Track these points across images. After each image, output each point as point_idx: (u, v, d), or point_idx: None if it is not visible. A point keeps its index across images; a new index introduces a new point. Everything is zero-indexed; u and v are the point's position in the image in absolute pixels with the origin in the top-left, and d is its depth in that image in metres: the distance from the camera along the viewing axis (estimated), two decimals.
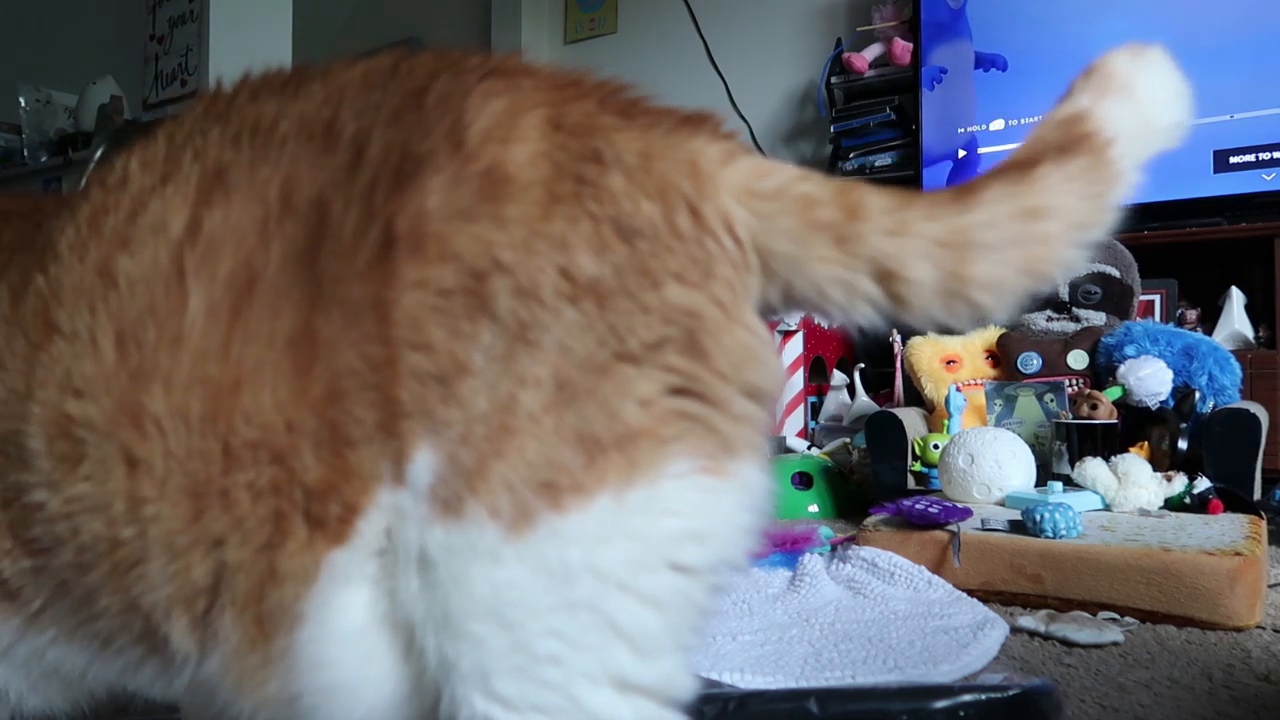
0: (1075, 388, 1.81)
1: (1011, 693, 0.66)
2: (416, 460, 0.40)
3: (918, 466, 1.85)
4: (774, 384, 0.44)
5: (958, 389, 1.88)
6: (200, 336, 0.43)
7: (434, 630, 0.40)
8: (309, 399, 0.41)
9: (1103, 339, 1.84)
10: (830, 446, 2.28)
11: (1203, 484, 1.42)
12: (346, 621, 0.41)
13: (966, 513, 1.34)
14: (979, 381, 1.94)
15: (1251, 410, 1.59)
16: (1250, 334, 2.14)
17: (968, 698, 0.65)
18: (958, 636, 1.04)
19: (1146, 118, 0.47)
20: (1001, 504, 1.47)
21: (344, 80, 0.47)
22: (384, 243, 0.41)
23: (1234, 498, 1.40)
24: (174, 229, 0.45)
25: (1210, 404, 1.67)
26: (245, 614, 0.42)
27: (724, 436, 0.42)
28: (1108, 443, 1.58)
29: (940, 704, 0.65)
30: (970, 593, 1.23)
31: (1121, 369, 1.70)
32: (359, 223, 0.42)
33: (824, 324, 2.63)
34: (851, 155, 3.02)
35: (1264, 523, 1.35)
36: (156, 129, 0.51)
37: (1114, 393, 1.67)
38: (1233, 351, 1.81)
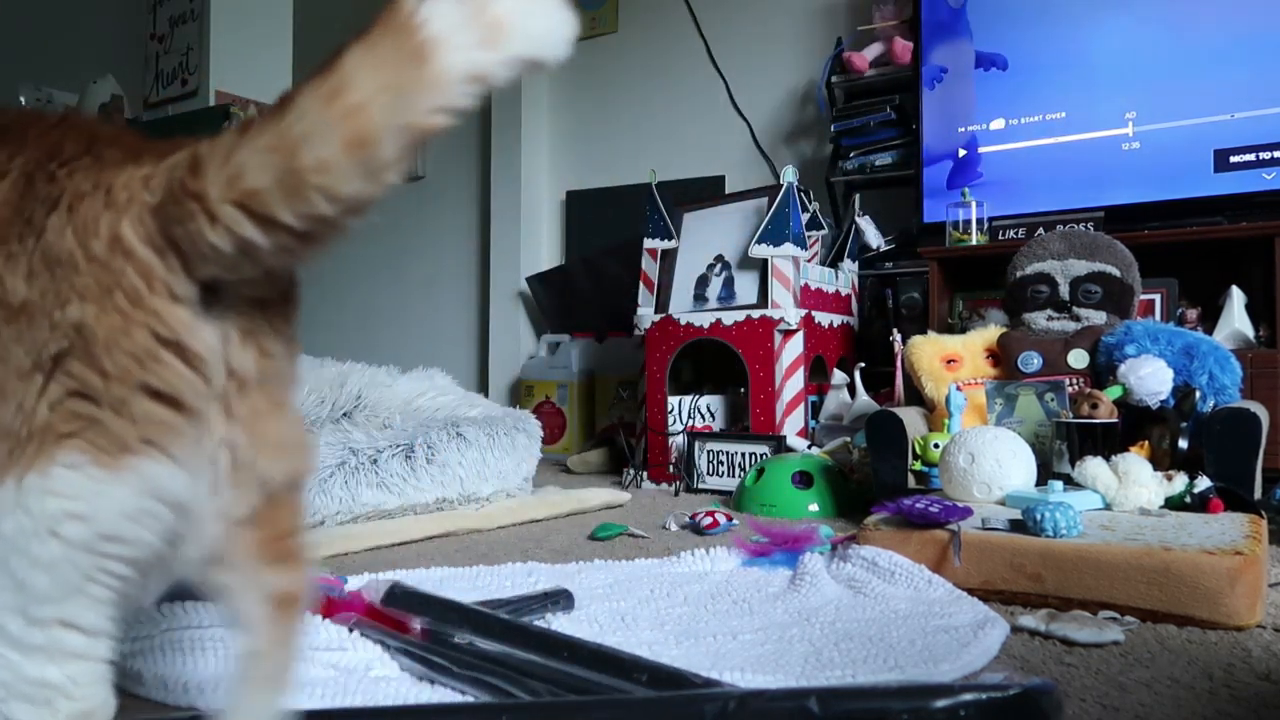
0: (1076, 387, 1.81)
1: (1012, 692, 0.66)
2: None
3: (918, 466, 1.85)
4: (184, 384, 0.52)
5: (958, 388, 1.88)
6: None
7: None
8: None
9: (1103, 338, 1.84)
10: (830, 446, 2.28)
11: (1203, 483, 1.42)
12: None
13: (967, 512, 1.34)
14: (979, 380, 1.94)
15: (1252, 409, 1.59)
16: (1251, 333, 2.14)
17: (968, 697, 0.65)
18: (958, 636, 1.04)
19: (488, 21, 0.48)
20: (1002, 503, 1.47)
21: None
22: None
23: (1234, 497, 1.40)
24: None
25: (1211, 403, 1.66)
26: None
27: (117, 435, 0.51)
28: (1108, 442, 1.58)
29: (941, 703, 0.65)
30: (970, 592, 1.23)
31: (1122, 368, 1.70)
32: None
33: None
34: (852, 154, 3.02)
35: (1264, 522, 1.35)
36: None
37: (1114, 392, 1.67)
38: (1233, 351, 1.81)
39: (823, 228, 2.74)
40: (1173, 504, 1.41)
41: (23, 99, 4.08)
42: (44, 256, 0.51)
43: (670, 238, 2.75)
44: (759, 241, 2.51)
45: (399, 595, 1.00)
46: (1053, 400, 1.78)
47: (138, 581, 0.55)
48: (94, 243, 0.50)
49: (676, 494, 2.41)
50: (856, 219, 2.89)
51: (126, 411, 0.51)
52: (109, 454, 0.51)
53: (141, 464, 0.51)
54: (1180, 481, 1.43)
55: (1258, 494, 1.61)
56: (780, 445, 2.33)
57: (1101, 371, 1.82)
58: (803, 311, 2.46)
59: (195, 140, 0.52)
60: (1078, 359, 1.87)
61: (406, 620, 0.97)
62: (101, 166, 0.53)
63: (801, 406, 2.48)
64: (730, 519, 1.85)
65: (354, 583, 1.20)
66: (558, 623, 1.12)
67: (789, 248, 2.45)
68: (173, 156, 0.51)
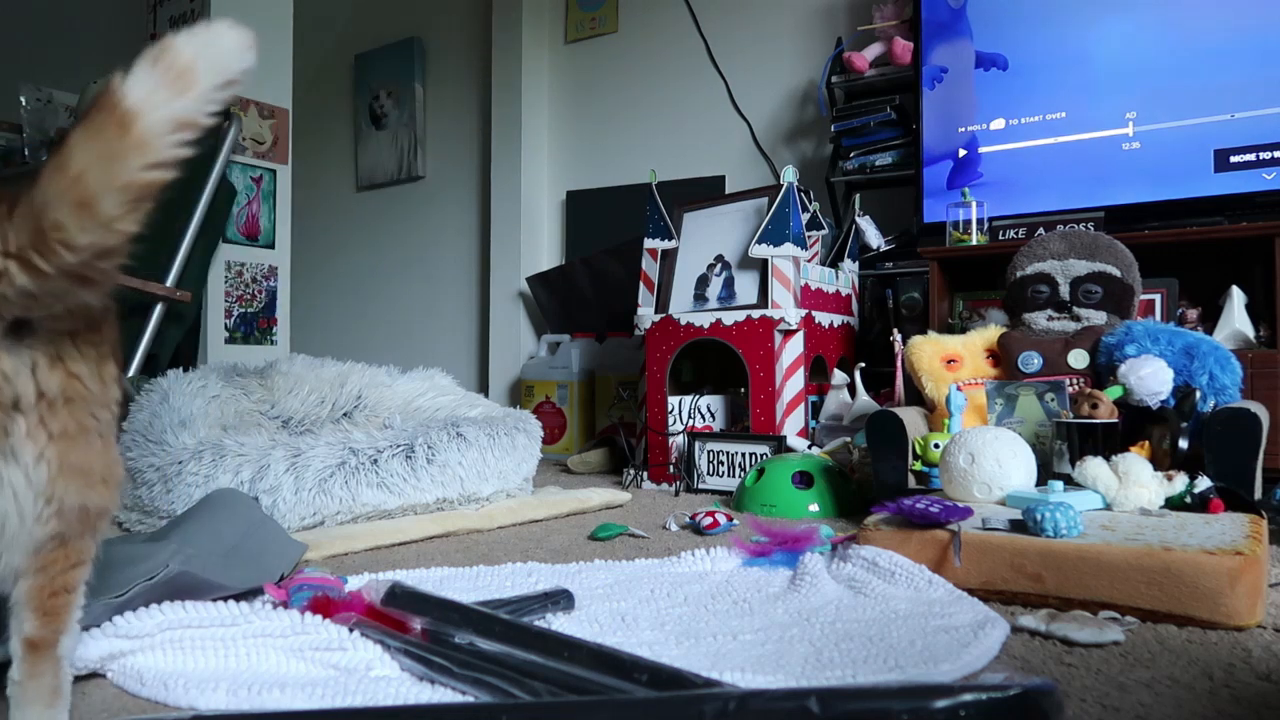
0: (1076, 387, 1.81)
1: (1012, 692, 0.66)
2: None
3: (918, 466, 1.85)
4: None
5: (958, 388, 1.88)
6: None
7: None
8: None
9: (1103, 338, 1.84)
10: (831, 446, 2.28)
11: (1203, 483, 1.42)
12: None
13: (967, 512, 1.34)
14: (979, 380, 1.94)
15: (1252, 409, 1.59)
16: (1251, 333, 2.14)
17: (968, 697, 0.65)
18: (958, 636, 1.04)
19: (177, 72, 0.61)
20: (1002, 503, 1.47)
21: None
22: None
23: (1235, 497, 1.40)
24: None
25: (1211, 403, 1.66)
26: None
27: None
28: (1108, 442, 1.58)
29: (941, 703, 0.65)
30: (971, 592, 1.23)
31: (1122, 368, 1.70)
32: None
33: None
34: (852, 155, 3.02)
35: (1265, 522, 1.35)
36: None
37: (1115, 392, 1.67)
38: (1234, 351, 1.81)
39: (823, 228, 2.74)
40: (1173, 504, 1.41)
41: (23, 99, 4.08)
42: None
43: (670, 238, 2.75)
44: (759, 241, 2.51)
45: (399, 595, 1.00)
46: (1053, 400, 1.78)
47: None
48: None
49: (677, 494, 2.41)
50: (856, 219, 2.89)
51: None
52: None
53: None
54: (1180, 481, 1.43)
55: (1258, 494, 1.61)
56: (780, 445, 2.33)
57: (1102, 371, 1.82)
58: (803, 311, 2.46)
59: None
60: (1078, 359, 1.87)
61: (406, 620, 0.97)
62: None
63: (801, 406, 2.48)
64: (730, 519, 1.85)
65: (354, 583, 1.20)
66: (558, 623, 1.12)
67: (789, 248, 2.45)
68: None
